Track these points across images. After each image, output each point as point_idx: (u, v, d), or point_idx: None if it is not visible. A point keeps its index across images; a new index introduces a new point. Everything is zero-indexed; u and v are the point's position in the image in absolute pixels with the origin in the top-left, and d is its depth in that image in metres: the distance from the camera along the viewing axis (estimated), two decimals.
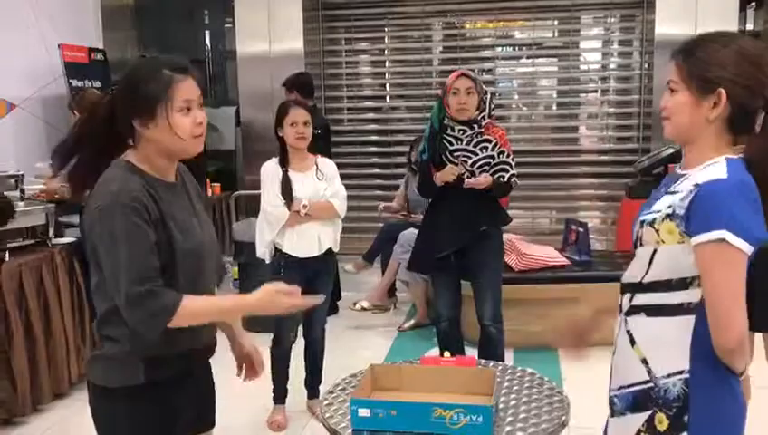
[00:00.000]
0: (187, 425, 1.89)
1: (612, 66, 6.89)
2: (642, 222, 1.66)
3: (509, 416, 2.19)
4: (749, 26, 8.00)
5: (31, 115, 5.73)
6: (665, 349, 1.61)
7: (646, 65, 6.36)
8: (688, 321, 1.58)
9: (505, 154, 3.52)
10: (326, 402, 2.33)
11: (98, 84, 5.96)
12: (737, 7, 5.91)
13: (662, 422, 1.61)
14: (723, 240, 1.48)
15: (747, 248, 1.49)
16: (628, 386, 1.68)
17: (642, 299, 1.66)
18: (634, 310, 1.67)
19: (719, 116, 1.58)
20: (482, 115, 3.49)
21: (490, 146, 3.49)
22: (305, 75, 5.50)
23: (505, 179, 3.52)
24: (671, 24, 5.90)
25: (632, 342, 1.67)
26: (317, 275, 3.51)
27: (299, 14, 6.42)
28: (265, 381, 3.64)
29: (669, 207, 1.59)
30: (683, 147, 1.70)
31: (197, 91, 1.77)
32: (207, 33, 8.23)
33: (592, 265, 4.79)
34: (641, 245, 1.67)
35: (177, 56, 1.81)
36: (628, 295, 1.70)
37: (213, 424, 2.04)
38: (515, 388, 2.40)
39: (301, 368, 3.71)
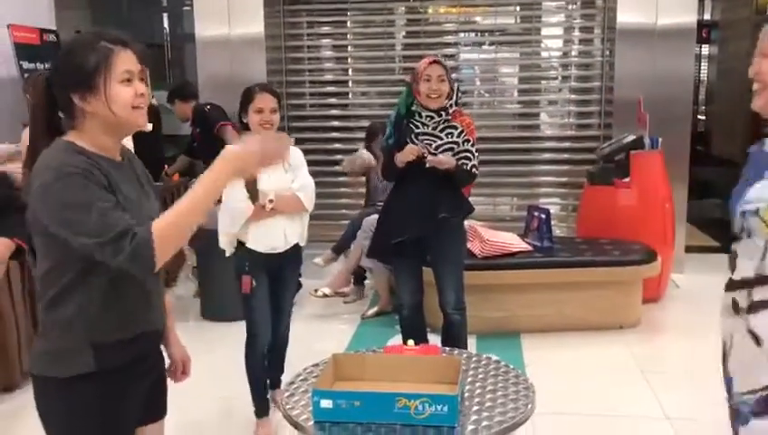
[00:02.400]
0: (136, 412, 1.83)
1: (574, 53, 6.91)
2: (744, 213, 1.57)
3: (475, 404, 2.17)
4: (706, 16, 8.13)
5: None
6: None
7: (607, 53, 6.39)
8: None
9: (470, 143, 3.50)
10: (287, 394, 2.29)
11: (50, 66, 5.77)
12: None
13: None
14: None
15: None
16: (759, 390, 1.58)
17: (765, 293, 1.55)
18: (758, 306, 1.57)
19: None
20: (450, 103, 3.47)
21: (456, 132, 3.47)
22: (185, 82, 6.21)
23: (468, 168, 3.50)
24: (632, 12, 5.93)
25: (758, 341, 1.57)
26: (283, 269, 3.38)
27: None
28: (224, 373, 3.59)
29: None
30: None
31: (138, 65, 1.72)
32: (165, 15, 8.04)
33: (554, 251, 4.81)
34: (748, 237, 1.57)
35: (115, 30, 1.74)
36: (744, 292, 1.59)
37: (164, 412, 1.98)
38: (480, 376, 2.38)
39: None
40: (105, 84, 1.65)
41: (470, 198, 3.79)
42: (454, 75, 4.11)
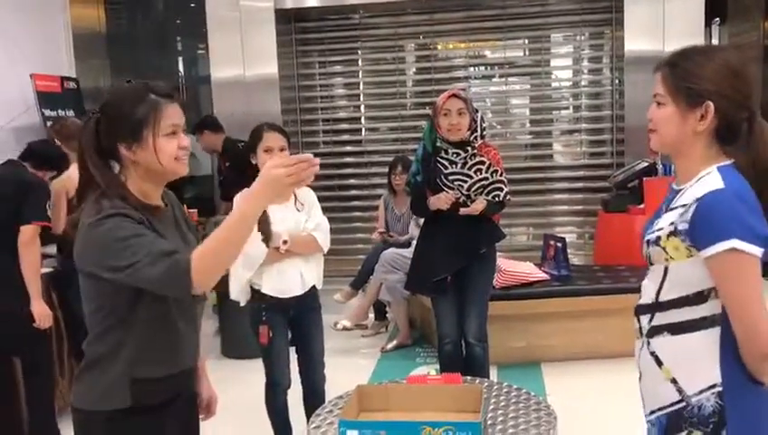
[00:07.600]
0: None
1: (584, 83, 6.98)
2: (648, 241, 1.66)
3: (497, 432, 2.19)
4: (714, 41, 8.19)
5: (3, 146, 5.66)
6: (694, 365, 1.59)
7: (617, 81, 6.46)
8: (714, 333, 1.57)
9: (498, 173, 3.52)
10: (314, 425, 2.32)
11: (71, 113, 5.91)
12: (702, 23, 6.04)
13: None
14: (734, 249, 1.48)
15: (758, 251, 1.50)
16: (660, 409, 1.65)
17: (663, 318, 1.64)
18: (656, 330, 1.66)
19: (707, 128, 1.59)
20: (474, 136, 3.47)
21: (484, 168, 3.49)
22: (210, 116, 6.16)
23: (500, 198, 3.53)
24: (640, 40, 6.01)
25: (659, 363, 1.65)
26: (302, 314, 3.23)
27: (272, 38, 6.44)
28: (245, 411, 3.60)
29: (671, 224, 1.59)
30: (672, 159, 1.71)
31: (182, 117, 1.80)
32: (181, 59, 8.22)
33: (571, 279, 4.83)
34: (651, 264, 1.67)
35: (162, 82, 1.81)
36: (646, 317, 1.68)
37: None
38: (502, 404, 2.41)
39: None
40: (152, 137, 1.72)
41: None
42: None
